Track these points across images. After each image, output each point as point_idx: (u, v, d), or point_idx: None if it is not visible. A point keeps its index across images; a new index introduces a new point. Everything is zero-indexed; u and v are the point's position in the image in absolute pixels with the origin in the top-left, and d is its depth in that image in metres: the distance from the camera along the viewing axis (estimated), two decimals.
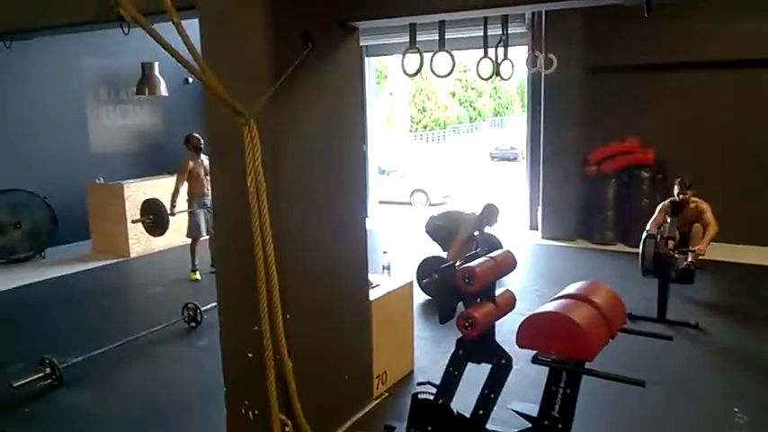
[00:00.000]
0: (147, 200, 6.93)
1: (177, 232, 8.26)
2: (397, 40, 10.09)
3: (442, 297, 3.38)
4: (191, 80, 11.19)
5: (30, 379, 4.65)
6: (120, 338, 5.49)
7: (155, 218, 6.65)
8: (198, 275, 7.84)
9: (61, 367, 4.77)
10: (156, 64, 9.98)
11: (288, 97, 3.43)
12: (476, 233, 6.87)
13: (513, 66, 7.00)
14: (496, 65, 6.77)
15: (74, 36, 7.56)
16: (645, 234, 5.90)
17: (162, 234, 6.80)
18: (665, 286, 5.90)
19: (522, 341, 2.85)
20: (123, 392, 4.83)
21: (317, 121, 3.73)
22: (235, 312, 3.61)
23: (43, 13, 5.43)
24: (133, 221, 7.03)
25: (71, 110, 9.88)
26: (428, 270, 6.64)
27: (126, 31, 5.14)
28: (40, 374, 4.70)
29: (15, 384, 4.56)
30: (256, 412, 3.53)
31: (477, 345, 3.20)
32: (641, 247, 5.84)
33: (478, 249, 6.62)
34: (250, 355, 3.45)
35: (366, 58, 11.76)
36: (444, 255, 6.76)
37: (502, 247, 6.84)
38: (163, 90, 10.15)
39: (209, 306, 5.94)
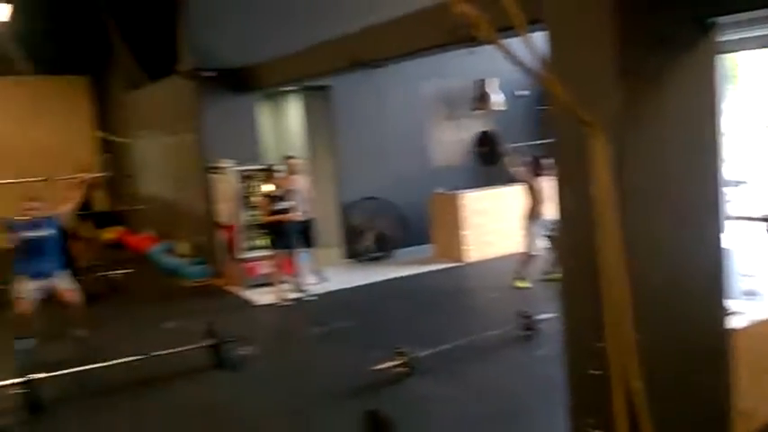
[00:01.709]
0: (485, 131, 7.26)
1: (509, 240, 8.69)
2: (752, 33, 8.82)
3: None
4: (523, 93, 11.47)
5: (387, 365, 5.26)
6: (462, 338, 5.87)
7: (489, 149, 6.91)
8: (526, 283, 7.97)
9: (413, 358, 5.30)
10: (490, 80, 10.44)
11: (636, 105, 3.28)
12: None
13: None
14: None
15: (416, 60, 8.40)
16: None
17: (493, 164, 7.00)
18: None
19: None
20: (467, 389, 5.15)
21: (666, 128, 3.48)
22: (579, 326, 3.57)
23: (402, 41, 6.13)
24: (469, 151, 7.40)
25: (416, 126, 10.94)
26: None
27: (471, 52, 5.49)
28: (395, 363, 5.28)
29: (375, 368, 5.22)
30: None
31: None
32: None
33: None
34: (595, 372, 3.37)
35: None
36: None
37: None
38: (497, 104, 10.57)
39: (544, 316, 5.99)
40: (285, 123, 11.51)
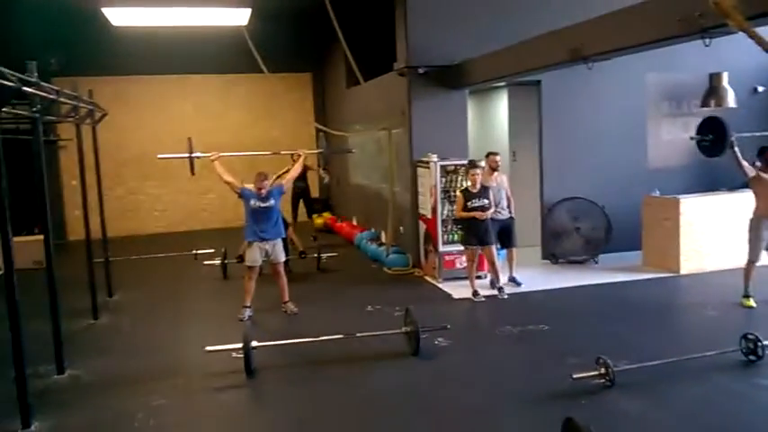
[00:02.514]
0: (710, 117, 6.78)
1: (732, 252, 7.99)
2: None
3: None
4: (760, 89, 10.26)
5: (586, 374, 5.02)
6: (670, 355, 5.41)
7: (714, 137, 6.36)
8: (752, 302, 7.12)
9: (615, 370, 4.99)
10: (725, 74, 9.44)
11: None
12: None
13: None
14: None
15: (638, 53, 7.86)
16: None
17: (718, 155, 6.54)
18: None
19: None
20: (672, 411, 4.73)
21: None
22: None
23: (627, 33, 5.76)
24: (691, 138, 7.04)
25: (631, 124, 10.28)
26: None
27: (707, 43, 4.99)
28: (596, 372, 5.01)
29: (574, 376, 5.00)
30: None
31: None
32: None
33: None
34: None
35: None
36: None
37: None
38: (731, 101, 9.53)
39: None
40: (490, 119, 11.47)
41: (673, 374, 5.23)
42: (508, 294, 8.14)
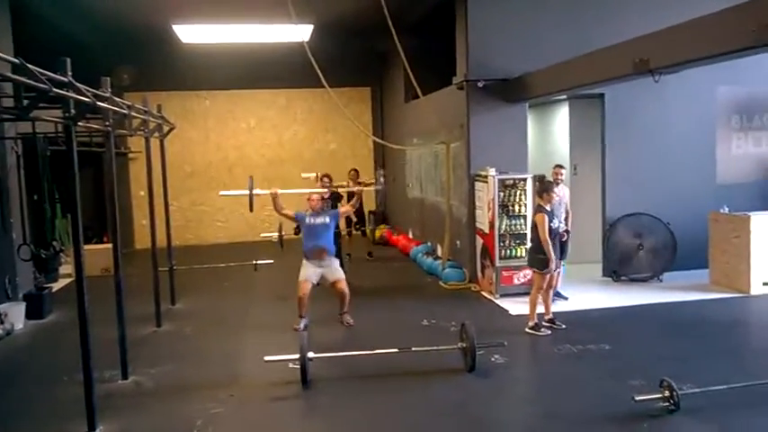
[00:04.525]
0: None
1: None
2: None
3: None
4: None
5: (649, 397, 4.84)
6: (739, 379, 5.16)
7: None
8: None
9: (680, 393, 4.79)
10: None
11: None
12: None
13: None
14: None
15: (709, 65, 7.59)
16: None
17: None
18: None
19: None
20: None
21: None
22: None
23: (697, 44, 5.58)
24: None
25: (699, 138, 9.98)
26: None
27: None
28: (659, 395, 4.83)
29: (637, 399, 4.82)
30: None
31: None
32: None
33: None
34: None
35: None
36: None
37: None
38: None
39: None
40: (550, 132, 11.30)
41: (742, 401, 4.99)
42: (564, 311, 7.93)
